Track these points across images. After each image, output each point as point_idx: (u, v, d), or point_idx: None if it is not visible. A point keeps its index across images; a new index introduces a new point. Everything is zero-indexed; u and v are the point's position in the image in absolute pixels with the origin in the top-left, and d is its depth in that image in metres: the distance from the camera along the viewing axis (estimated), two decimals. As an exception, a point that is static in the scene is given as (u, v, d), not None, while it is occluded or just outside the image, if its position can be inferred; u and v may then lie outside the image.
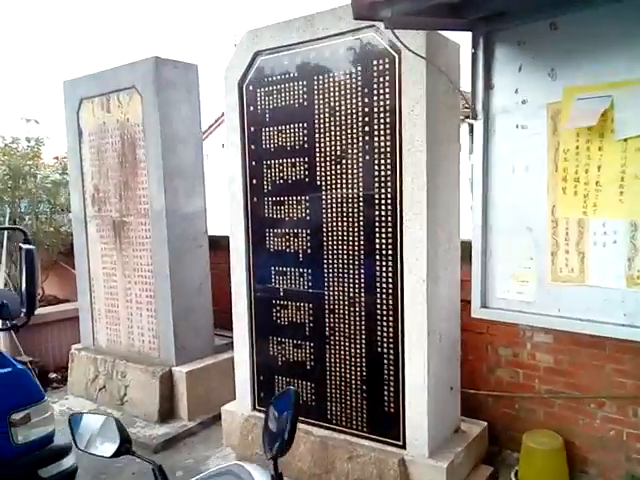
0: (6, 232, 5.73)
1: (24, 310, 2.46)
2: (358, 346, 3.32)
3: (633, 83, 2.36)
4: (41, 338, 5.79)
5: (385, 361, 3.21)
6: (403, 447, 3.18)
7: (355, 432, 3.36)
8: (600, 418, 3.25)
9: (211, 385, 4.58)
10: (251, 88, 3.58)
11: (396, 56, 2.93)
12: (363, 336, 3.29)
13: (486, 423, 3.55)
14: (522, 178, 2.69)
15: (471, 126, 2.85)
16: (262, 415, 3.77)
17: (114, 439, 1.58)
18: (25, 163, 6.23)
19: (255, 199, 3.67)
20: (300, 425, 3.58)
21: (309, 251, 3.46)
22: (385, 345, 3.20)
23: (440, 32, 2.93)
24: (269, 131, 3.52)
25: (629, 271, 2.46)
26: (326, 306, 3.43)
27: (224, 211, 5.48)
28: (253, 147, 3.62)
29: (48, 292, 6.70)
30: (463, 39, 3.01)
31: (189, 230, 4.57)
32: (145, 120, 4.38)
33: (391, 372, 3.20)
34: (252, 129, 3.61)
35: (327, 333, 3.45)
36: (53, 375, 5.73)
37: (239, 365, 3.90)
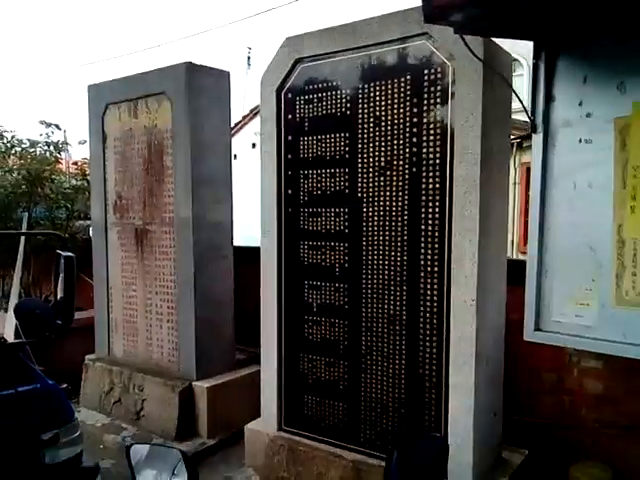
0: (23, 237, 5.60)
1: (59, 321, 2.31)
2: (397, 367, 3.16)
3: None
4: (52, 347, 5.62)
5: (427, 384, 3.05)
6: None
7: (392, 458, 3.18)
8: (653, 450, 3.09)
9: (232, 401, 4.41)
10: (290, 96, 3.46)
11: (449, 65, 2.81)
12: (403, 356, 3.14)
13: (527, 451, 3.38)
14: (585, 195, 2.55)
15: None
16: (289, 436, 3.61)
17: (181, 476, 1.40)
18: (43, 168, 6.13)
19: (290, 210, 3.53)
20: (330, 448, 3.44)
21: (346, 265, 3.31)
22: (427, 367, 3.04)
23: (494, 41, 2.82)
24: (308, 140, 3.40)
25: (702, 296, 2.31)
26: (363, 323, 3.28)
27: (240, 219, 5.39)
28: (290, 156, 3.49)
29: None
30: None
31: (215, 240, 4.43)
32: (175, 127, 4.26)
33: (432, 395, 3.03)
34: (289, 138, 3.48)
35: (363, 352, 3.29)
36: (64, 386, 5.54)
37: (266, 382, 3.74)
